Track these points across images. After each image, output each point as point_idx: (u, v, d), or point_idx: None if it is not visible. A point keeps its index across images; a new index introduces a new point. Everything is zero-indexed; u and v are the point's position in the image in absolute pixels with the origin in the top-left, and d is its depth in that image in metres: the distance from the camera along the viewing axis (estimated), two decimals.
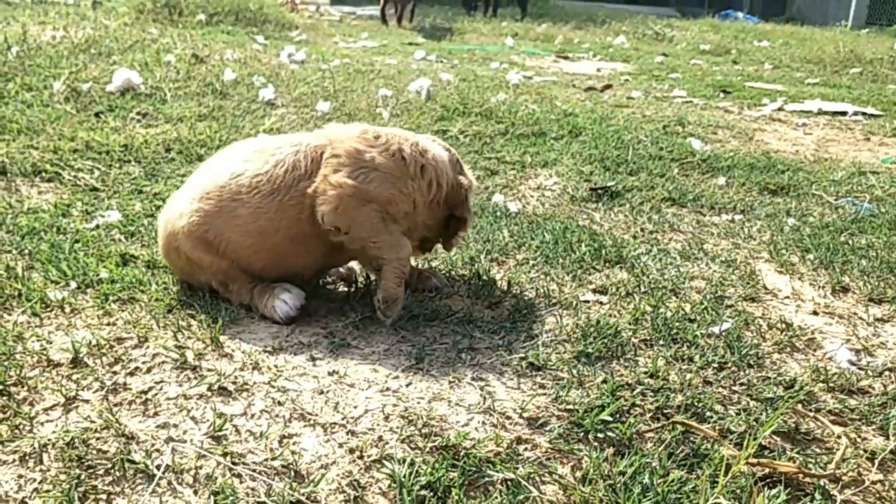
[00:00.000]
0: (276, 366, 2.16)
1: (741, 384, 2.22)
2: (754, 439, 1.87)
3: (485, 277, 2.80)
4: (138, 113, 4.92)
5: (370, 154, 2.46)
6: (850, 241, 3.48)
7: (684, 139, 5.56)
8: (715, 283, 2.89)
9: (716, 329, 2.48)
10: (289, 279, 2.55)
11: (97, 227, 3.15)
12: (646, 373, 2.23)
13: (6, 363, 2.05)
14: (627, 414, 2.05)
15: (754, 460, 1.87)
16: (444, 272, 2.88)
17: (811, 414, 2.10)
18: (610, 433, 1.95)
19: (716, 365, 2.30)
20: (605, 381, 2.15)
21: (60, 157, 4.00)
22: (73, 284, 2.57)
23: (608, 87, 8.52)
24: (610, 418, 1.98)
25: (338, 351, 2.26)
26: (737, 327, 2.50)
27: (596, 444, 1.93)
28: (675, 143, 5.40)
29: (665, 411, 2.08)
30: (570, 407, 2.04)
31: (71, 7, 10.80)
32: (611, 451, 1.86)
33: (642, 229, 3.55)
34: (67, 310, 2.42)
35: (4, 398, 1.92)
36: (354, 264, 2.84)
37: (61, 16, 8.65)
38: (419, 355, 2.23)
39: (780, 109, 7.86)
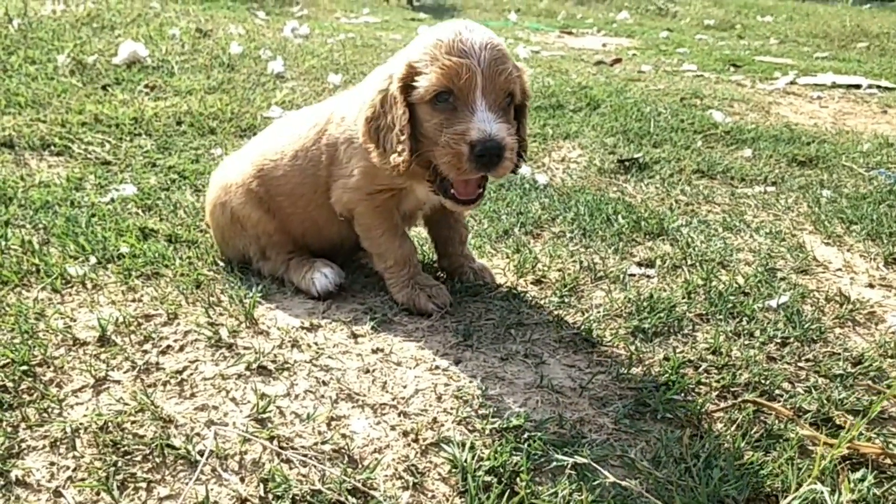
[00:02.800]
0: (316, 343, 2.02)
1: (807, 360, 2.10)
2: (848, 428, 1.76)
3: (524, 251, 2.66)
4: (146, 86, 4.76)
5: (349, 121, 2.21)
6: (892, 213, 3.35)
7: (704, 111, 5.42)
8: (763, 255, 2.76)
9: (773, 303, 2.35)
10: (330, 249, 2.42)
11: (112, 200, 3.01)
12: (707, 349, 2.10)
13: (29, 342, 1.91)
14: (693, 393, 1.92)
15: (832, 441, 1.75)
16: (479, 245, 2.74)
17: (885, 391, 1.98)
18: (678, 413, 1.82)
19: (778, 340, 2.18)
20: (666, 359, 2.02)
21: (69, 130, 3.84)
22: (93, 259, 2.44)
23: (618, 61, 8.36)
24: (678, 397, 1.86)
25: (380, 328, 2.13)
26: (794, 301, 2.38)
27: (664, 424, 1.80)
28: (696, 115, 5.26)
29: (732, 389, 1.95)
30: (634, 385, 1.91)
31: None
32: (687, 432, 1.74)
33: (677, 201, 3.42)
34: (89, 286, 2.28)
35: (30, 379, 1.79)
36: None
37: None
38: (466, 332, 2.10)
39: (792, 83, 7.72)
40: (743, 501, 1.58)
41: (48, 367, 1.84)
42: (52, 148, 3.65)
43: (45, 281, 2.26)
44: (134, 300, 2.21)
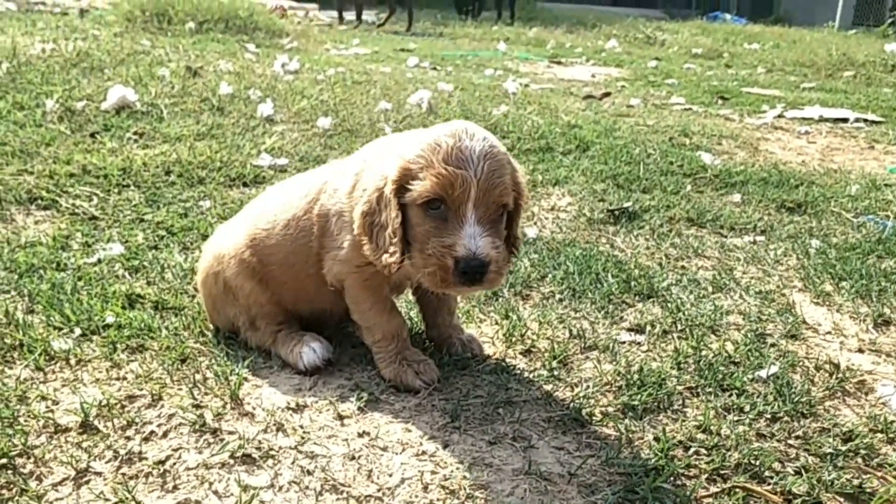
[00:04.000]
0: (301, 426, 2.00)
1: (797, 437, 2.08)
2: None
3: (513, 317, 2.64)
4: (135, 133, 4.74)
5: (340, 194, 2.21)
6: (880, 266, 3.35)
7: (692, 152, 5.44)
8: (753, 318, 2.76)
9: (762, 373, 2.34)
10: (321, 317, 2.41)
11: (99, 261, 2.98)
12: (697, 427, 2.08)
13: (10, 430, 1.88)
14: (683, 476, 1.90)
15: None
16: (468, 310, 2.73)
17: (876, 472, 1.96)
18: (667, 501, 1.80)
19: (768, 416, 2.16)
20: (657, 440, 2.01)
21: (56, 182, 3.82)
22: (78, 331, 2.41)
23: (607, 94, 8.40)
24: (667, 485, 1.84)
25: (366, 407, 2.10)
26: (784, 371, 2.37)
27: None
28: (685, 156, 5.27)
29: (722, 472, 1.93)
30: (623, 470, 1.90)
31: (58, 16, 10.61)
32: None
33: (667, 255, 3.41)
34: (73, 362, 2.25)
35: (9, 472, 1.76)
36: None
37: (50, 27, 8.41)
38: (454, 412, 2.08)
39: (780, 116, 7.76)
40: None
41: (28, 457, 1.82)
42: (39, 202, 3.62)
43: (28, 358, 2.23)
44: (118, 378, 2.18)
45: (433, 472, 1.85)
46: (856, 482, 1.92)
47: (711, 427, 2.08)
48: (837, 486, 1.89)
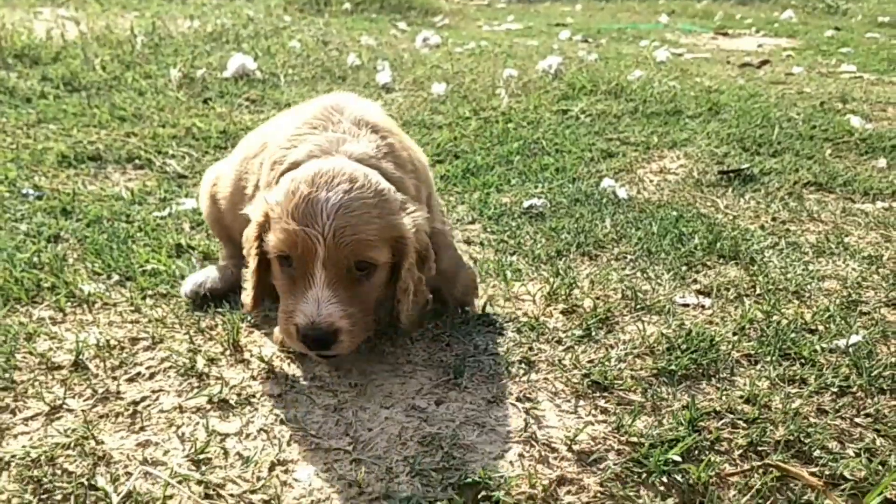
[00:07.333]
0: (292, 375, 1.87)
1: (867, 415, 1.75)
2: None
3: (565, 276, 2.40)
4: (247, 98, 4.79)
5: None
6: None
7: (843, 116, 4.89)
8: (851, 283, 2.38)
9: (841, 342, 2.00)
10: None
11: (168, 215, 2.97)
12: (741, 397, 1.79)
13: (4, 365, 1.86)
14: (709, 451, 1.63)
15: None
16: (518, 268, 2.50)
17: None
18: (677, 477, 1.54)
19: (835, 389, 1.83)
20: (685, 408, 1.73)
21: (158, 143, 3.89)
22: (115, 277, 2.39)
23: (765, 62, 7.79)
24: (678, 457, 1.57)
25: (368, 358, 1.94)
26: (869, 341, 2.01)
27: (662, 488, 1.53)
28: (832, 121, 4.75)
29: (759, 448, 1.64)
30: (635, 440, 1.64)
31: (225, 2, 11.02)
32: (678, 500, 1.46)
33: (774, 218, 3.03)
34: (98, 305, 2.22)
35: None
36: None
37: (204, 8, 8.73)
38: (459, 368, 1.88)
39: None
40: None
41: (10, 392, 1.78)
42: (137, 162, 3.68)
43: (51, 299, 2.22)
44: (132, 322, 2.12)
45: (416, 429, 1.66)
46: None
47: (759, 398, 1.77)
48: None
